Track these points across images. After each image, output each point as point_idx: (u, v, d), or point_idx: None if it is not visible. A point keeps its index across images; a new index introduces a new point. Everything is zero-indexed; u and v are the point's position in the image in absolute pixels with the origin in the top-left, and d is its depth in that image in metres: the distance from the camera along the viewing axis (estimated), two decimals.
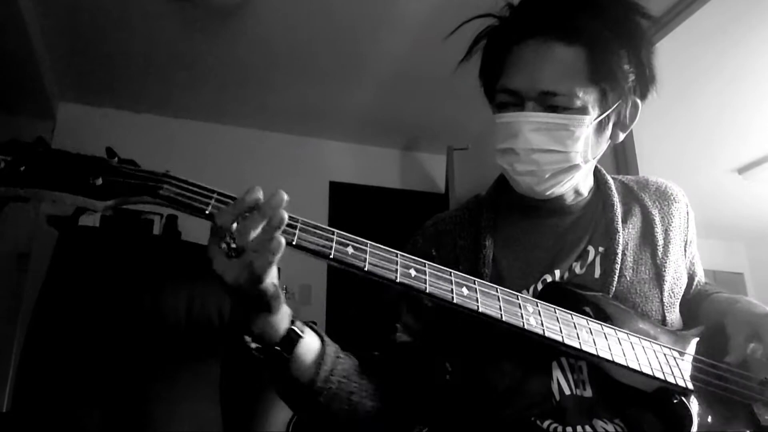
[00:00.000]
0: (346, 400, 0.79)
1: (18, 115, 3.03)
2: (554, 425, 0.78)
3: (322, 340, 0.77)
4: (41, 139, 0.63)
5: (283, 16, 2.48)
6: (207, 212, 0.62)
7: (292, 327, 0.71)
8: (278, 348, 0.69)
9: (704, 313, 0.93)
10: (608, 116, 0.83)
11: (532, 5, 0.83)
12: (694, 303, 0.96)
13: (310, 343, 0.74)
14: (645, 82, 0.84)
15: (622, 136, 0.88)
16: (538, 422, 0.80)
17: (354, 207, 3.58)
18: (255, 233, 0.61)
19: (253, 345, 0.69)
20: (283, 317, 0.70)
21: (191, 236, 2.70)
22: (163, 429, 1.10)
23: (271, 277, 0.64)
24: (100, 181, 0.61)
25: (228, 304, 1.30)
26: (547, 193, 0.85)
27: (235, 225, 0.61)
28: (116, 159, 0.64)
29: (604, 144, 0.87)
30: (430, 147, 3.82)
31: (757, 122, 2.80)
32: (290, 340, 0.71)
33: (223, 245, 0.61)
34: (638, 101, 0.86)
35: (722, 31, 2.17)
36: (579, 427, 0.77)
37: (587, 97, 0.79)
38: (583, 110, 0.79)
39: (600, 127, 0.83)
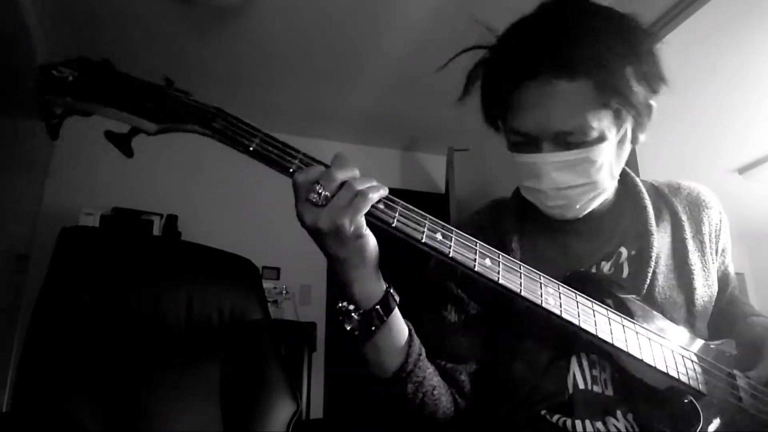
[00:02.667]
0: (431, 394, 0.80)
1: (18, 117, 3.03)
2: (563, 419, 0.79)
3: (409, 327, 0.78)
4: (107, 61, 0.69)
5: (283, 16, 2.48)
6: (251, 149, 0.65)
7: (389, 289, 0.72)
8: (378, 307, 0.70)
9: (740, 332, 0.92)
10: (626, 130, 0.81)
11: (524, 43, 0.78)
12: (728, 315, 0.95)
13: (401, 320, 0.76)
14: (655, 84, 0.81)
15: (642, 137, 0.85)
16: (548, 416, 0.80)
17: None
18: (344, 175, 0.65)
19: (351, 307, 0.70)
20: (380, 278, 0.71)
21: (191, 236, 2.70)
22: (162, 429, 1.10)
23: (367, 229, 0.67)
24: (154, 105, 0.66)
25: (228, 304, 1.30)
26: (580, 216, 0.85)
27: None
28: (173, 88, 0.68)
29: (626, 153, 0.85)
30: (430, 147, 3.83)
31: (757, 122, 2.79)
32: (387, 302, 0.71)
33: (312, 196, 0.64)
34: (651, 102, 0.83)
35: (722, 31, 2.17)
36: (588, 422, 0.77)
37: (602, 123, 0.77)
38: (601, 138, 0.78)
39: (620, 143, 0.82)
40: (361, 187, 0.65)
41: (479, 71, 0.85)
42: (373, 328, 0.71)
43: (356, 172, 0.67)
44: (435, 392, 0.81)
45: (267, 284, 2.54)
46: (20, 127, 3.04)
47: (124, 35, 2.63)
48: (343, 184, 0.65)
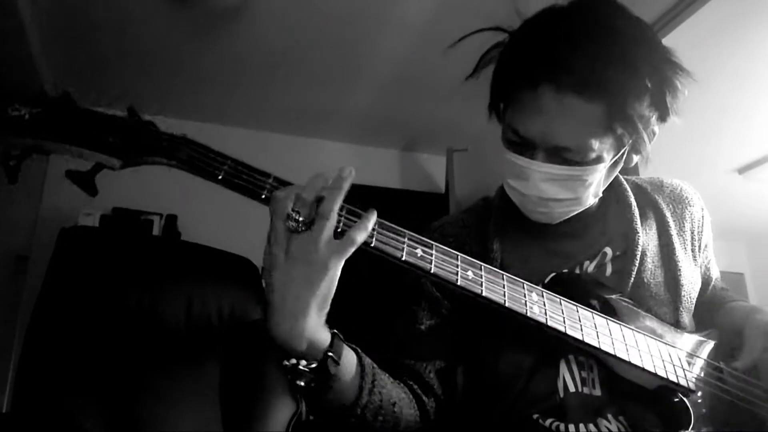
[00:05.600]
0: (391, 412, 0.76)
1: None
2: (556, 423, 0.78)
3: (357, 351, 0.73)
4: (66, 94, 0.65)
5: (283, 17, 2.48)
6: (219, 177, 0.63)
7: (335, 331, 0.67)
8: (330, 354, 0.64)
9: (720, 319, 0.93)
10: (623, 152, 0.80)
11: (552, 46, 0.73)
12: (709, 307, 0.96)
13: (350, 354, 0.70)
14: (665, 114, 0.79)
15: (636, 159, 0.84)
16: (541, 420, 0.80)
17: (354, 207, 3.57)
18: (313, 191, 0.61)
19: (303, 363, 0.63)
20: (324, 325, 0.66)
21: (191, 236, 2.69)
22: (162, 429, 1.10)
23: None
24: (118, 140, 0.63)
25: (228, 303, 1.30)
26: (555, 222, 0.85)
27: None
28: (137, 119, 0.66)
29: (616, 172, 0.85)
30: (430, 147, 3.82)
31: (757, 122, 2.79)
32: (336, 345, 0.66)
33: (290, 223, 0.60)
34: (656, 129, 0.81)
35: (722, 31, 2.17)
36: (582, 426, 0.77)
37: (603, 146, 0.75)
38: (598, 160, 0.77)
39: (613, 165, 0.81)
40: (328, 207, 0.61)
41: (494, 55, 0.81)
42: (330, 376, 0.64)
43: (340, 185, 0.63)
44: (395, 409, 0.77)
45: None
46: None
47: (122, 36, 2.63)
48: (319, 202, 0.61)
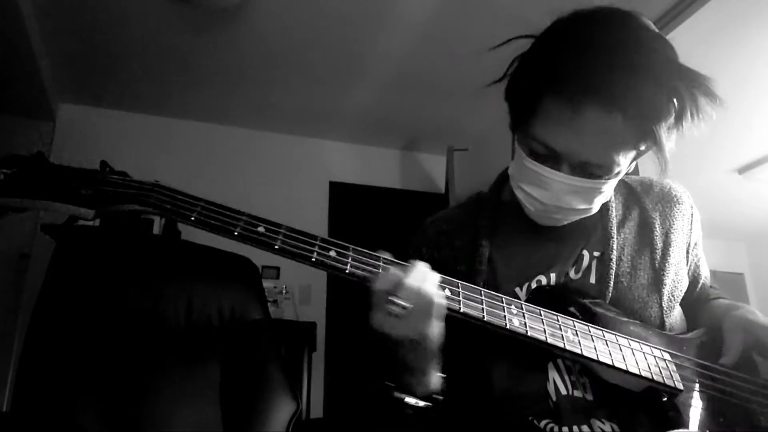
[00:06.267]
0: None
1: (18, 116, 3.03)
2: (551, 425, 0.79)
3: None
4: (40, 154, 0.70)
5: (283, 16, 2.48)
6: (192, 218, 0.68)
7: (442, 375, 0.78)
8: (440, 397, 0.76)
9: (704, 317, 0.93)
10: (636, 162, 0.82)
11: (591, 65, 0.70)
12: (695, 306, 0.96)
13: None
14: (683, 127, 0.78)
15: (634, 164, 0.84)
16: (536, 422, 0.80)
17: (354, 207, 3.58)
18: (417, 282, 0.67)
19: (421, 403, 0.75)
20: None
21: (191, 236, 2.69)
22: (162, 429, 1.10)
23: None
24: (90, 191, 0.67)
25: (228, 303, 1.30)
26: (560, 225, 0.87)
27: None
28: (107, 171, 0.70)
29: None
30: (430, 147, 3.82)
31: (757, 122, 2.79)
32: (443, 390, 0.77)
33: (392, 308, 0.66)
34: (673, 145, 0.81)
35: (722, 31, 2.17)
36: (575, 427, 0.78)
37: (626, 161, 0.77)
38: (619, 173, 0.79)
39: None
40: (431, 290, 0.67)
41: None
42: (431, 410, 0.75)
43: (422, 274, 0.68)
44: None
45: (267, 284, 2.53)
46: (18, 125, 3.04)
47: (122, 36, 2.63)
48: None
